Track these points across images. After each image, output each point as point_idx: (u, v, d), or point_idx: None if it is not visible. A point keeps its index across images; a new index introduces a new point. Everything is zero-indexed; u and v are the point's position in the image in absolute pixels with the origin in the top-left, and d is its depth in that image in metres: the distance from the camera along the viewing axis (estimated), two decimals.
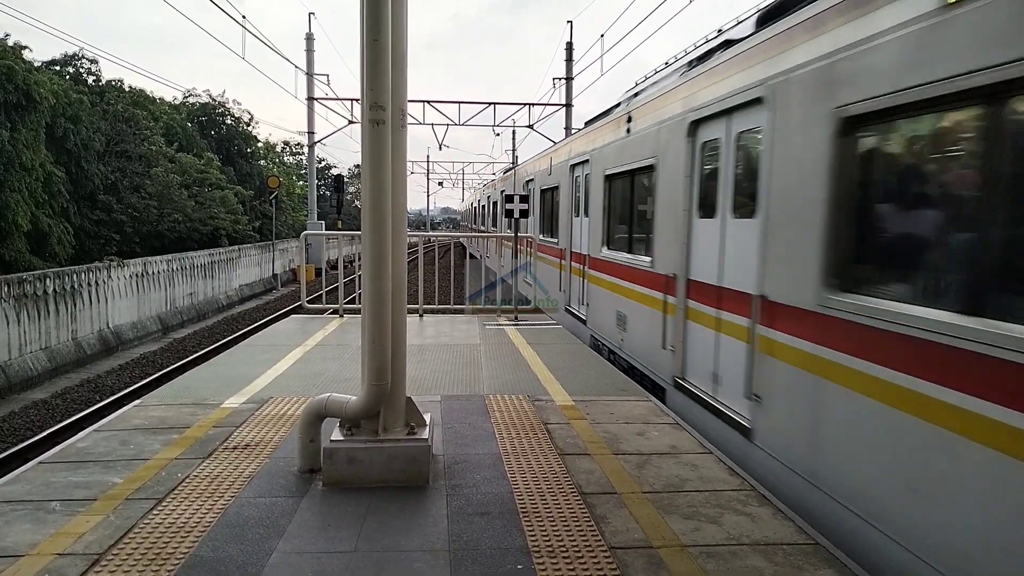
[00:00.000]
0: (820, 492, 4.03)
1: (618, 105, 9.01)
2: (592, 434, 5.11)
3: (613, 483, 4.21)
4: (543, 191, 13.72)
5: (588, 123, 11.20)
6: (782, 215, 4.55)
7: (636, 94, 8.25)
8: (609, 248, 8.99)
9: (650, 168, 7.21)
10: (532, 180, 15.09)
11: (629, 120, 8.01)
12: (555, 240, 12.31)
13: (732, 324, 5.32)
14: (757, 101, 4.91)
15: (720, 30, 6.56)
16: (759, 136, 4.95)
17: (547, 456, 4.65)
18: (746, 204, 5.20)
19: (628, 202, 8.33)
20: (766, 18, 5.30)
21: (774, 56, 4.69)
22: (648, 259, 7.27)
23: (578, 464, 4.51)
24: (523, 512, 3.80)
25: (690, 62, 6.73)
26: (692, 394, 6.02)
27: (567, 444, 4.89)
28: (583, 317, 10.16)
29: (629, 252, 8.22)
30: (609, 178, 8.87)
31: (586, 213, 10.04)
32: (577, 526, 3.64)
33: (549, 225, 13.25)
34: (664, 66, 7.99)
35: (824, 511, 3.96)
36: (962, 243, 3.22)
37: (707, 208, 5.94)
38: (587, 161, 9.92)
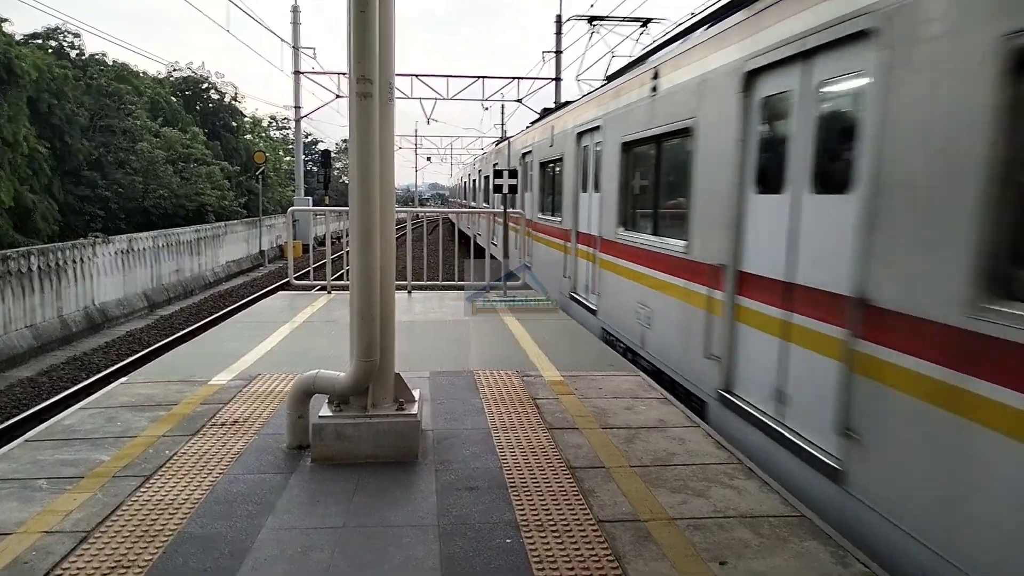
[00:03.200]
0: (605, 331, 7.85)
1: (542, 117, 13.55)
2: (581, 409, 5.14)
3: (601, 457, 4.24)
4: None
5: (531, 123, 15.96)
6: (607, 190, 8.11)
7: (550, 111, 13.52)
8: (541, 213, 12.62)
9: (560, 159, 10.74)
10: (497, 163, 18.55)
11: (552, 127, 11.76)
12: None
13: (590, 254, 8.89)
14: (598, 127, 8.50)
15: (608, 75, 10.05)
16: (601, 147, 8.42)
17: (536, 431, 4.67)
18: (598, 184, 8.62)
19: (552, 181, 11.98)
20: (618, 73, 8.65)
21: (605, 102, 8.29)
22: (559, 219, 10.84)
23: (567, 438, 4.54)
24: (512, 486, 3.82)
25: (585, 94, 10.52)
26: (578, 301, 9.47)
27: (556, 419, 4.91)
28: (529, 264, 13.79)
29: (552, 215, 11.65)
30: (542, 164, 12.58)
31: (530, 189, 13.89)
32: (566, 500, 3.67)
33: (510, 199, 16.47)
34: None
35: (612, 340, 7.69)
36: (653, 203, 6.99)
37: (584, 186, 9.42)
38: (530, 151, 13.88)
